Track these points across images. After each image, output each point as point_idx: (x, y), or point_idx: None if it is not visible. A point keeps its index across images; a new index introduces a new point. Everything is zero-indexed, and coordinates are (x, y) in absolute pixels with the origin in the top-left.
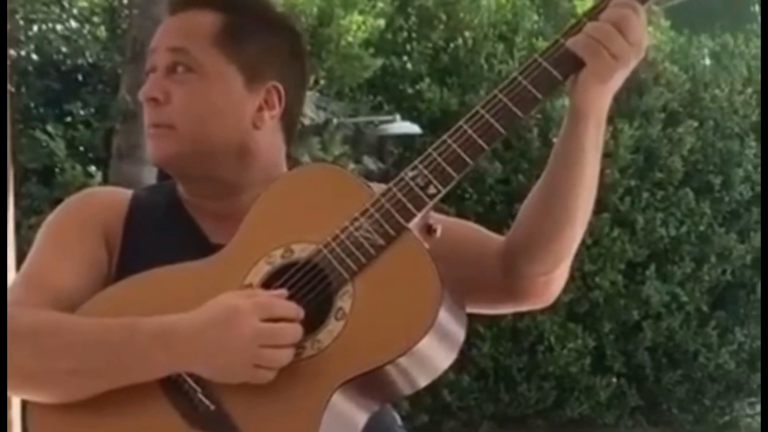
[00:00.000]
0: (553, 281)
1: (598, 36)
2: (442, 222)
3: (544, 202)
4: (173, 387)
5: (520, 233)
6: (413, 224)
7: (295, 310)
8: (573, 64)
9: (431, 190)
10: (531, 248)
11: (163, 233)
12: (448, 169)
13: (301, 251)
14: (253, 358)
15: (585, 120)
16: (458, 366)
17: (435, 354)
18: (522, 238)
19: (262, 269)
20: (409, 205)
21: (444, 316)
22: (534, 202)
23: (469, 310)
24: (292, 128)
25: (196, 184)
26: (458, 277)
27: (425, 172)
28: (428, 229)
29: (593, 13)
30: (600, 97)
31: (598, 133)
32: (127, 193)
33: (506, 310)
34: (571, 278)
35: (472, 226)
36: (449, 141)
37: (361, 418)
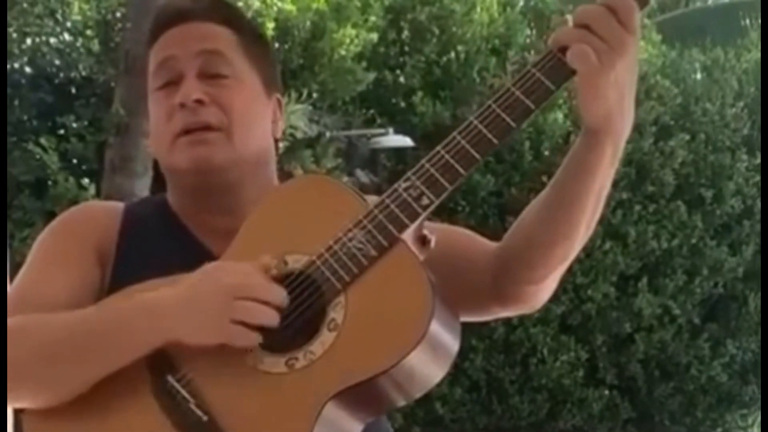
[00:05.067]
0: (542, 289)
1: (586, 19)
2: (433, 229)
3: (548, 210)
4: (166, 397)
5: (519, 238)
6: (407, 235)
7: (279, 289)
8: (567, 73)
9: (424, 201)
10: (528, 254)
11: (159, 246)
12: (441, 179)
13: (295, 262)
14: (229, 310)
15: (594, 135)
16: (451, 378)
17: (427, 365)
18: (520, 243)
19: None
20: (402, 216)
21: (436, 328)
22: (537, 209)
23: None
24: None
25: (215, 197)
26: (449, 283)
27: (418, 183)
28: (422, 240)
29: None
30: (604, 106)
31: (612, 147)
32: (119, 206)
33: (493, 316)
34: (564, 291)
35: (464, 231)
36: (442, 152)
37: (355, 428)
